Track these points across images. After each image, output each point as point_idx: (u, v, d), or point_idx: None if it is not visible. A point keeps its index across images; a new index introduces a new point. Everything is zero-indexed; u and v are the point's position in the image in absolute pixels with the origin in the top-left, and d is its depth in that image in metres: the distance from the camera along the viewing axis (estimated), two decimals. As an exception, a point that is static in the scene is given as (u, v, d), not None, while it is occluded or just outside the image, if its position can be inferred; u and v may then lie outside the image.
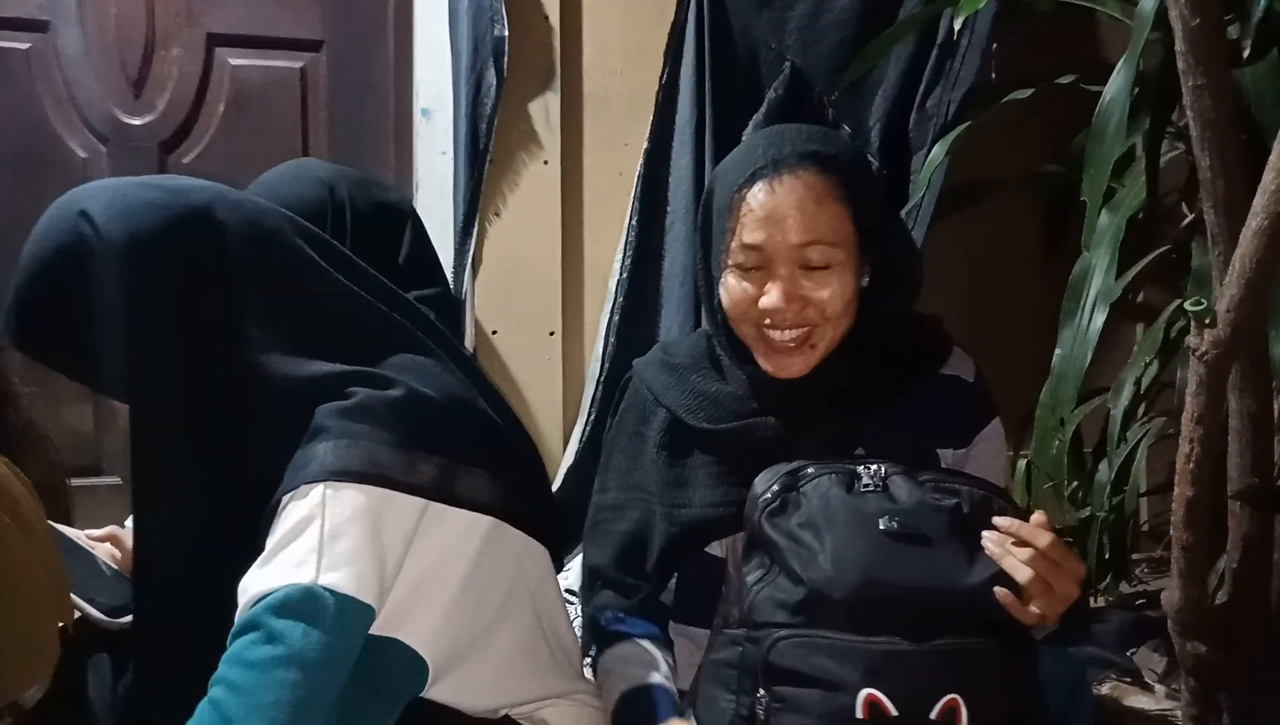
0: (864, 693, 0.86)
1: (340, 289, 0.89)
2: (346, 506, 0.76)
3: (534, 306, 1.97)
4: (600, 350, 1.93)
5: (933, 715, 0.86)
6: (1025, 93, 1.79)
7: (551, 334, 1.98)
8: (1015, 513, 0.95)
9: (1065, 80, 1.80)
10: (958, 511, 0.92)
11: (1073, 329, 1.55)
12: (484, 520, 0.86)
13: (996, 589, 0.90)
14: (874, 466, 0.95)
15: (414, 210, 1.22)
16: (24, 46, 1.86)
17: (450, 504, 0.84)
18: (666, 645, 1.08)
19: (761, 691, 0.90)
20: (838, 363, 1.06)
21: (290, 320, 0.85)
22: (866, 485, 0.94)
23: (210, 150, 1.97)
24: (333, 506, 0.76)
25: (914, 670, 0.87)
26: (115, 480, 1.92)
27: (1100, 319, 1.52)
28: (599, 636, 1.08)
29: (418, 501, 0.81)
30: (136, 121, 1.93)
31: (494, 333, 1.94)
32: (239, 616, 0.75)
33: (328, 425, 0.81)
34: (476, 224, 1.89)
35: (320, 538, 0.75)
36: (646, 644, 1.06)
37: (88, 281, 0.84)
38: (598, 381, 1.91)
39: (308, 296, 0.87)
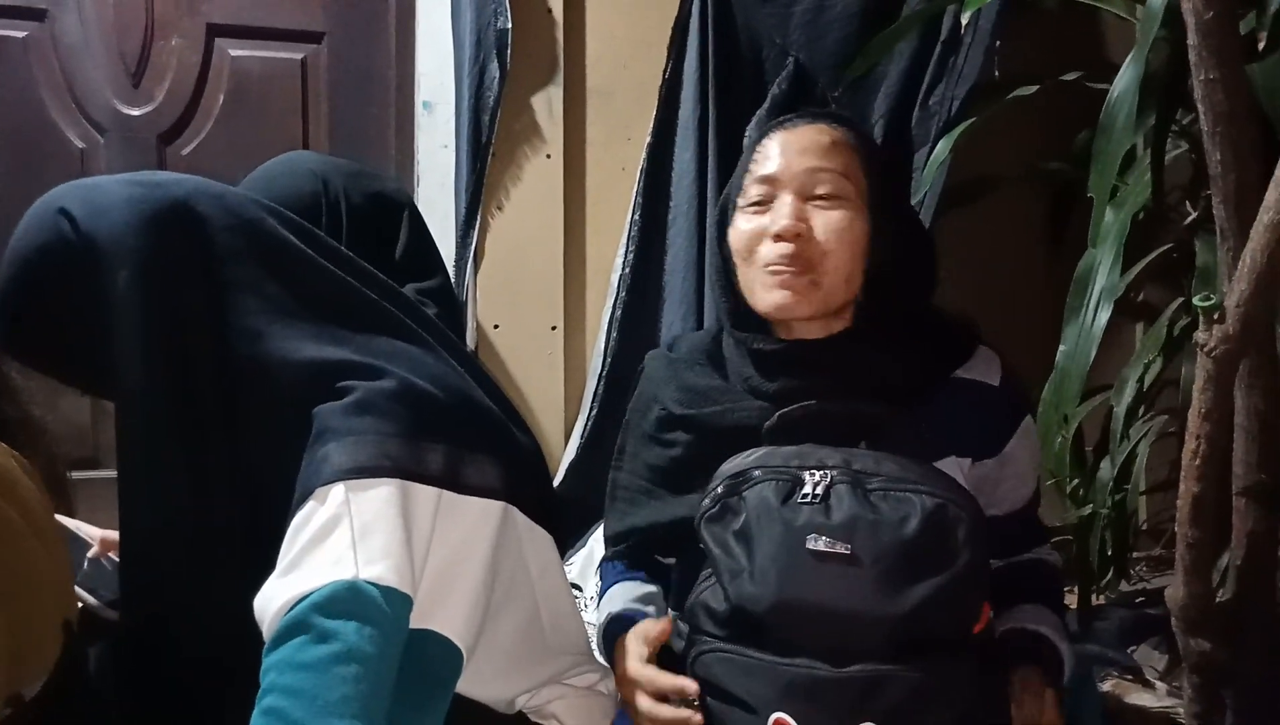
0: (774, 716, 0.86)
1: (327, 278, 0.87)
2: (371, 502, 0.75)
3: (536, 301, 1.97)
4: (602, 345, 1.92)
5: None
6: (1030, 90, 1.79)
7: (554, 328, 1.97)
8: (972, 527, 0.90)
9: (1070, 77, 1.80)
10: (900, 527, 0.87)
11: (1077, 326, 1.55)
12: (495, 506, 0.85)
13: None
14: (819, 474, 0.91)
15: (411, 201, 1.20)
16: (21, 35, 1.85)
17: (460, 492, 0.82)
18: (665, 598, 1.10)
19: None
20: (844, 341, 1.04)
21: (275, 311, 0.83)
22: (805, 496, 0.90)
23: (209, 142, 1.96)
24: (357, 504, 0.75)
25: (829, 696, 0.85)
26: (112, 473, 1.90)
27: (1105, 316, 1.52)
28: (601, 591, 1.11)
29: (432, 491, 0.80)
30: (135, 112, 1.92)
31: (496, 327, 1.93)
32: (275, 623, 0.72)
33: (332, 425, 0.79)
34: (479, 218, 1.88)
35: (352, 535, 0.73)
36: (638, 582, 1.10)
37: (69, 280, 0.82)
38: (600, 376, 1.90)
39: (293, 286, 0.85)
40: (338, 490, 0.76)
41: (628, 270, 1.91)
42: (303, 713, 0.67)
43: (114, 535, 1.09)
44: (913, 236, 1.08)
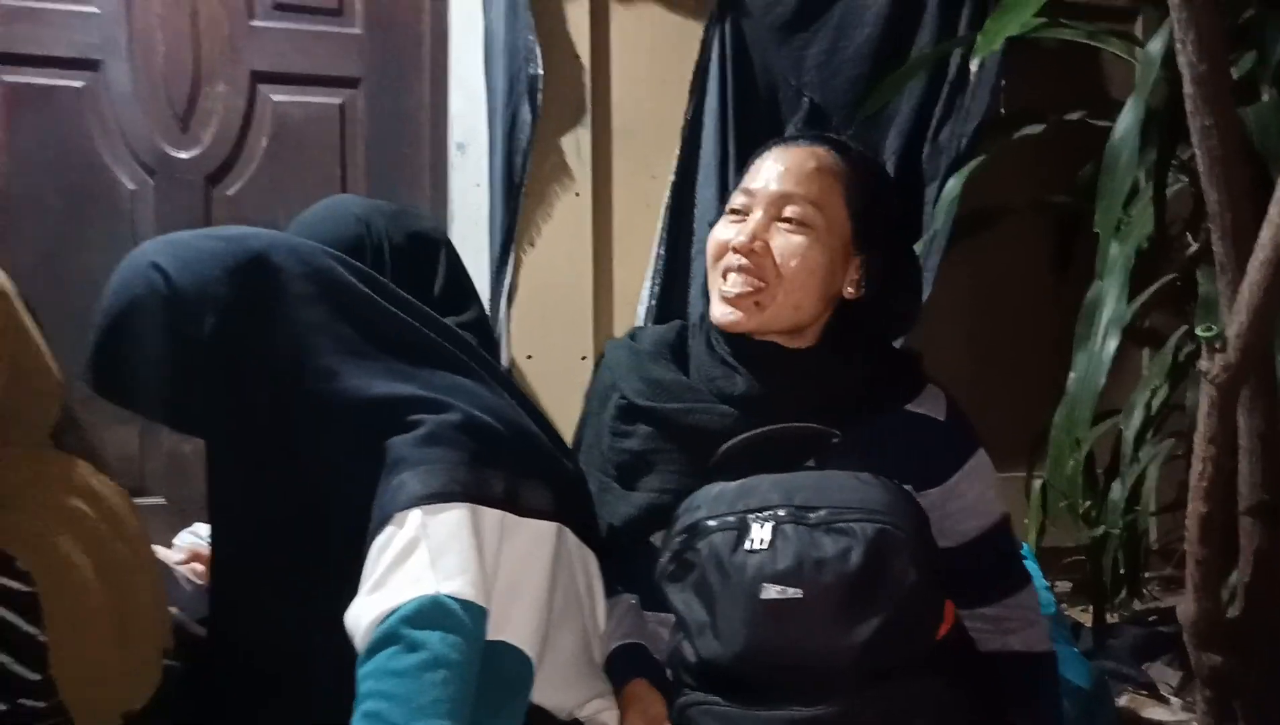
0: None
1: (391, 320, 0.95)
2: (445, 525, 0.83)
3: (567, 332, 2.04)
4: (629, 374, 1.99)
5: None
6: (1037, 128, 1.87)
7: (583, 358, 2.05)
8: (914, 545, 0.92)
9: (1074, 116, 1.88)
10: (844, 558, 0.89)
11: (1087, 353, 1.62)
12: (549, 527, 0.93)
13: None
14: (765, 516, 0.93)
15: (447, 238, 1.27)
16: (78, 84, 1.94)
17: (519, 514, 0.90)
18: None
19: None
20: (809, 355, 1.07)
21: (346, 351, 0.91)
22: (753, 543, 0.92)
23: (253, 183, 2.04)
24: (433, 527, 0.82)
25: None
26: (159, 500, 1.98)
27: (1113, 344, 1.59)
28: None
29: (496, 513, 0.87)
30: (183, 155, 2.01)
31: (529, 358, 2.01)
32: (366, 637, 0.80)
33: (405, 455, 0.87)
34: (512, 254, 1.96)
35: (430, 555, 0.81)
36: (627, 599, 1.10)
37: (160, 329, 0.90)
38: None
39: (362, 328, 0.93)
40: (414, 515, 0.83)
41: (653, 301, 1.99)
42: (399, 715, 0.74)
43: (200, 548, 1.17)
44: (895, 275, 1.10)
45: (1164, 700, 1.71)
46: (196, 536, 1.28)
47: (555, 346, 2.03)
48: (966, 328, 2.26)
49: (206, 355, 0.90)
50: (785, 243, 1.04)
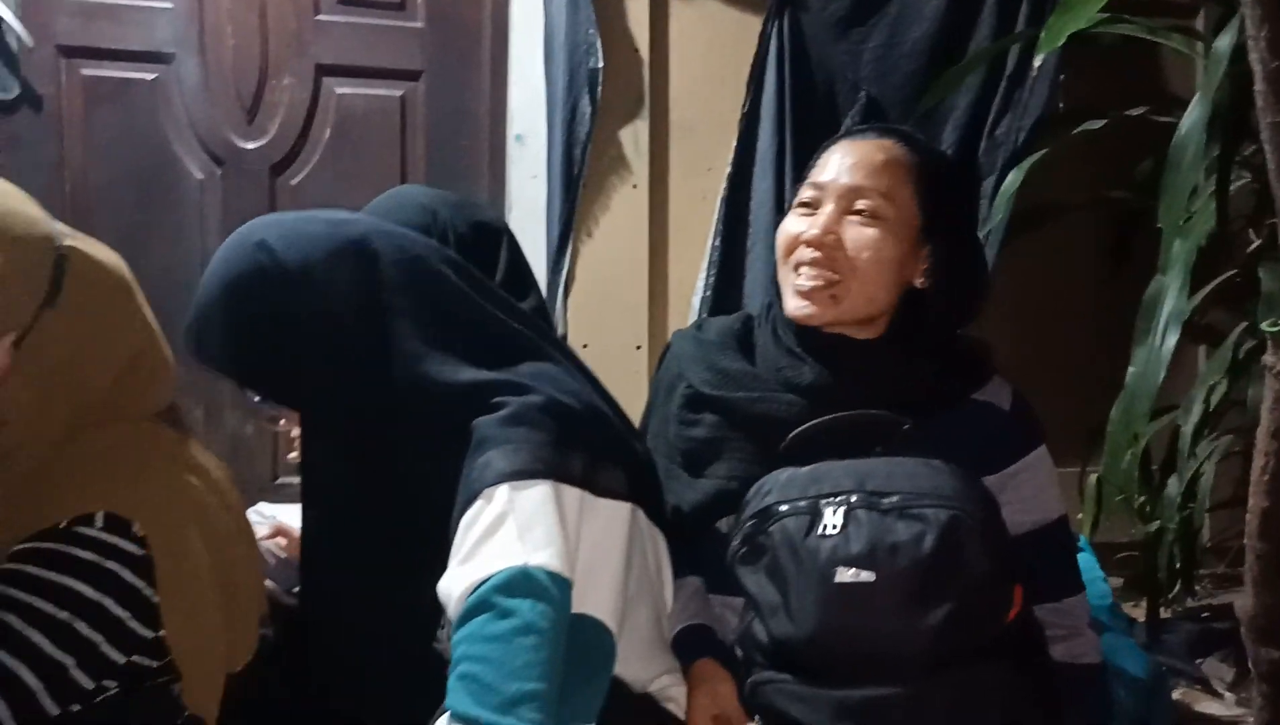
0: None
1: (477, 306, 0.99)
2: (531, 499, 0.86)
3: (622, 322, 2.07)
4: (684, 364, 2.02)
5: None
6: (1098, 123, 1.86)
7: (638, 348, 2.08)
8: (986, 532, 0.93)
9: (1136, 112, 1.88)
10: (917, 543, 0.90)
11: (1146, 348, 1.62)
12: (624, 507, 0.96)
13: None
14: (837, 502, 0.94)
15: (508, 228, 1.31)
16: (150, 77, 2.01)
17: (597, 494, 0.93)
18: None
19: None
20: (877, 347, 1.08)
21: (438, 336, 0.95)
22: (825, 528, 0.93)
23: (315, 173, 2.09)
24: (520, 501, 0.86)
25: (878, 714, 0.91)
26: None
27: (1173, 339, 1.59)
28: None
29: (576, 492, 0.90)
30: (249, 146, 2.06)
31: (585, 346, 2.03)
32: (459, 605, 0.83)
33: (491, 434, 0.90)
34: (570, 245, 1.99)
35: (518, 528, 0.84)
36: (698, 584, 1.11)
37: (262, 303, 0.95)
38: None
39: (453, 314, 0.97)
40: (502, 490, 0.87)
41: (708, 292, 2.01)
42: (493, 676, 0.78)
43: (283, 524, 1.22)
44: (962, 264, 1.11)
45: (1218, 695, 1.71)
46: (260, 515, 1.33)
47: (610, 336, 2.06)
48: (1021, 322, 2.26)
49: (304, 332, 0.95)
50: (858, 235, 1.06)
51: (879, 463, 0.98)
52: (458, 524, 0.87)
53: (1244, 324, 1.79)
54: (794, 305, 1.08)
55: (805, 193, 1.10)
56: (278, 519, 1.24)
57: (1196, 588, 1.99)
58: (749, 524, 0.98)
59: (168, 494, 0.85)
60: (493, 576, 0.82)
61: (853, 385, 1.06)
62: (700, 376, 1.12)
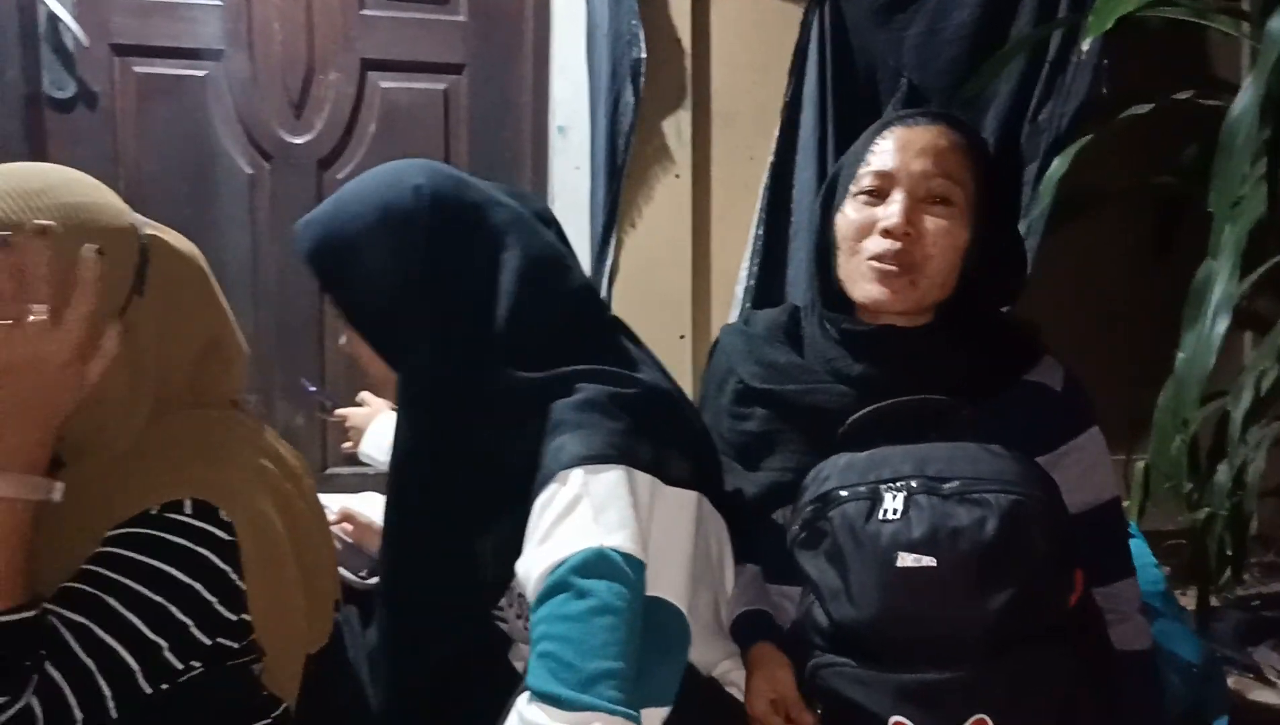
0: (892, 719, 0.91)
1: (575, 291, 1.01)
2: (605, 483, 0.88)
3: (666, 312, 2.09)
4: (728, 353, 2.03)
5: None
6: (1144, 108, 1.85)
7: (681, 337, 2.09)
8: (1048, 516, 0.93)
9: (1183, 96, 1.86)
10: (979, 528, 0.90)
11: (1195, 334, 1.60)
12: (690, 495, 0.97)
13: None
14: (898, 487, 0.94)
15: (555, 219, 1.33)
16: (202, 74, 2.04)
17: (665, 482, 0.95)
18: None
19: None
20: (926, 334, 1.08)
21: (537, 321, 0.97)
22: (886, 513, 0.93)
23: (361, 167, 2.10)
24: (594, 485, 0.88)
25: (939, 697, 0.91)
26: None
27: (1223, 325, 1.57)
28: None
29: (647, 477, 0.92)
30: (297, 140, 2.10)
31: (629, 336, 2.05)
32: (538, 586, 0.85)
33: (566, 418, 0.92)
34: (614, 235, 2.01)
35: (593, 510, 0.86)
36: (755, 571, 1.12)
37: (409, 247, 0.95)
38: (726, 382, 2.01)
39: (553, 299, 0.99)
40: (577, 473, 0.89)
41: (752, 282, 2.02)
42: (573, 655, 0.80)
43: (349, 508, 1.25)
44: (1009, 246, 1.12)
45: (1270, 684, 1.71)
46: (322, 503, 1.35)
47: (654, 325, 2.04)
48: (1065, 309, 2.24)
49: (431, 287, 0.96)
50: (935, 225, 1.06)
51: (938, 447, 0.98)
52: (533, 504, 0.89)
53: (1295, 309, 1.78)
54: (872, 292, 1.07)
55: (866, 181, 1.08)
56: (343, 505, 1.27)
57: (1245, 576, 1.97)
58: (808, 509, 0.99)
59: (250, 479, 0.87)
60: (569, 558, 0.84)
61: (903, 374, 1.07)
62: (749, 370, 1.13)
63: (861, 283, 1.08)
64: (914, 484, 0.94)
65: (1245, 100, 1.46)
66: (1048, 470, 1.03)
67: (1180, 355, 1.63)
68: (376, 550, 1.24)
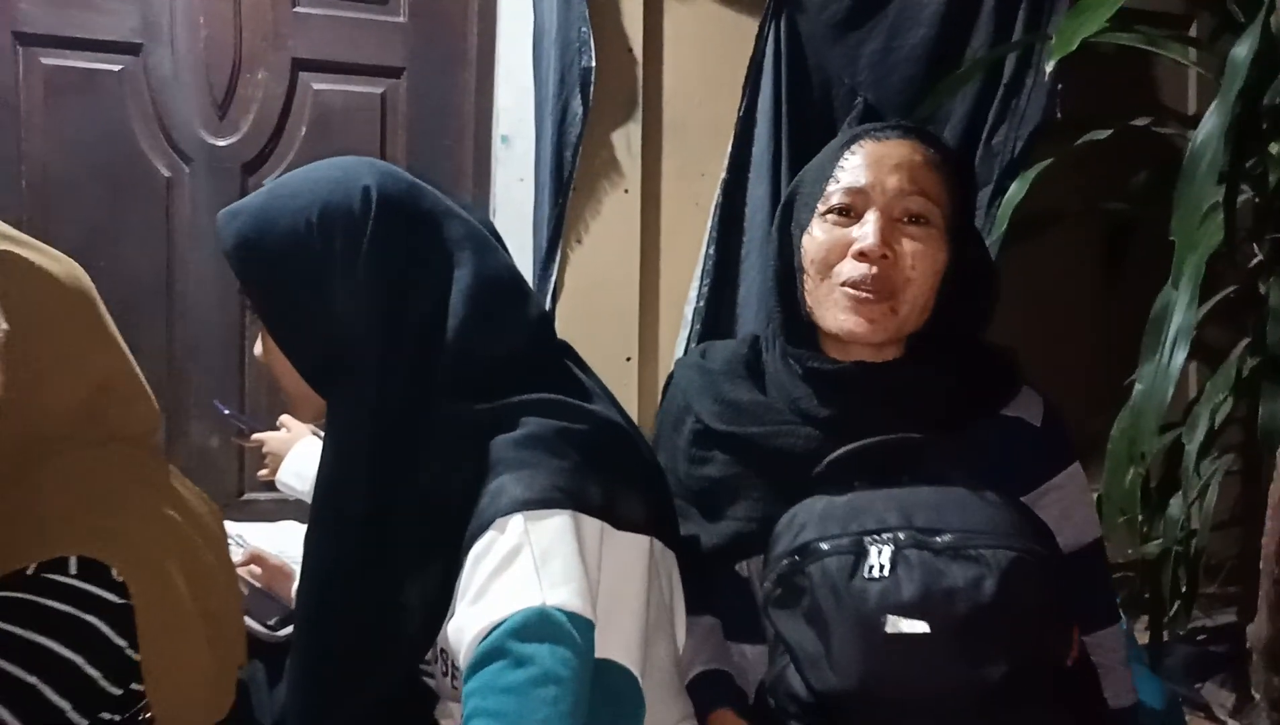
0: None
1: (531, 319, 0.93)
2: (548, 531, 0.79)
3: (612, 333, 1.99)
4: (676, 376, 1.95)
5: None
6: (1103, 133, 1.83)
7: (629, 360, 2.00)
8: (1047, 573, 0.85)
9: (1141, 122, 1.85)
10: (976, 588, 0.82)
11: (1154, 364, 1.58)
12: (643, 540, 0.89)
13: None
14: (884, 540, 0.86)
15: (498, 233, 1.24)
16: (117, 68, 1.90)
17: (615, 526, 0.86)
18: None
19: None
20: (898, 368, 1.01)
21: (484, 344, 0.88)
22: (871, 569, 0.85)
23: (288, 173, 2.00)
24: (535, 533, 0.78)
25: None
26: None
27: (1181, 356, 1.55)
28: None
29: (596, 523, 0.83)
30: (220, 142, 1.96)
31: (573, 357, 1.96)
32: (471, 651, 0.76)
33: (506, 456, 0.83)
34: (559, 251, 1.92)
35: (534, 562, 0.77)
36: (708, 619, 1.03)
37: (347, 252, 0.86)
38: (674, 406, 1.93)
39: (506, 326, 0.90)
40: (516, 520, 0.79)
41: (702, 303, 1.94)
42: None
43: (259, 551, 1.13)
44: (980, 265, 1.05)
45: (1220, 721, 1.68)
46: (230, 538, 1.24)
47: (600, 347, 1.97)
48: (1010, 334, 2.23)
49: (365, 300, 0.87)
50: (913, 246, 0.98)
51: (924, 493, 0.90)
52: (466, 554, 0.80)
53: (1246, 341, 1.77)
54: (847, 322, 0.98)
55: (836, 198, 1.00)
56: (247, 541, 1.15)
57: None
58: (784, 563, 0.90)
59: (148, 531, 0.76)
60: (507, 619, 0.75)
61: (874, 411, 0.99)
62: (709, 409, 1.04)
63: (834, 312, 0.99)
64: (901, 536, 0.86)
65: (1209, 128, 1.43)
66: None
67: (1138, 386, 1.60)
68: (289, 595, 1.14)
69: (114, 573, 0.71)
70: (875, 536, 0.87)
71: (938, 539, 0.85)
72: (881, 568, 0.85)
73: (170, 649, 0.74)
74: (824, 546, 0.88)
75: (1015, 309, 2.14)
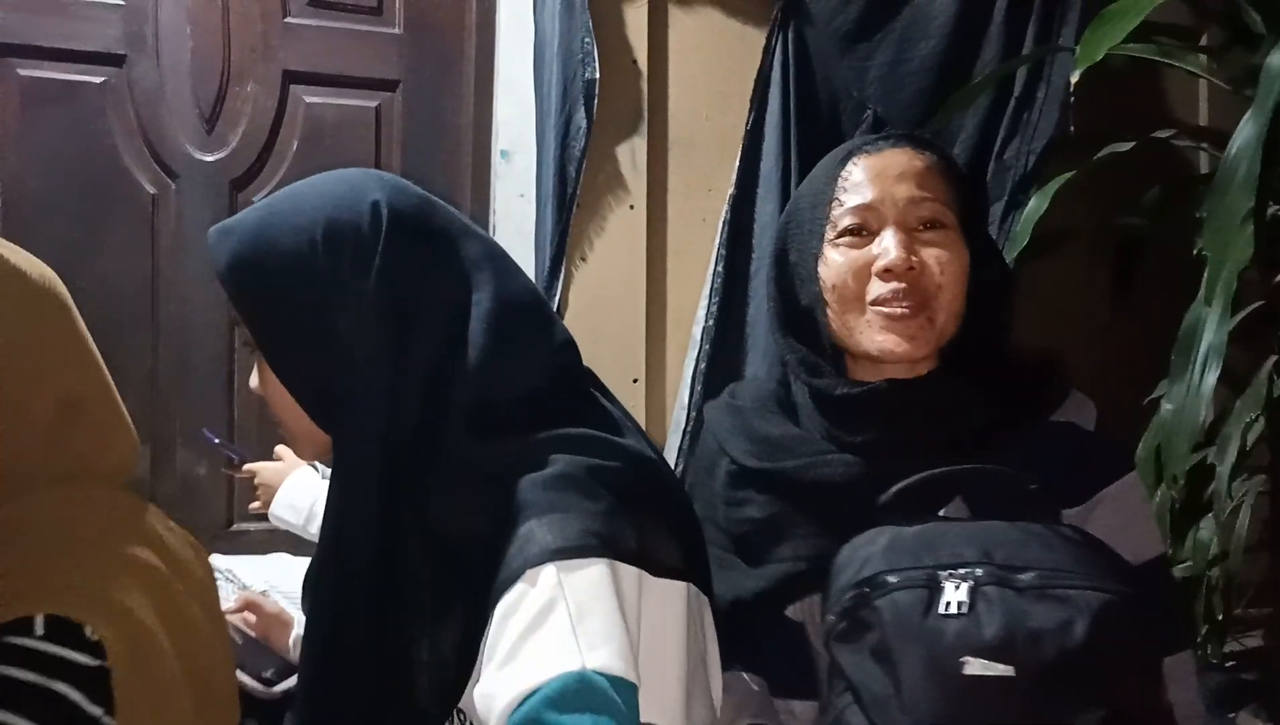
0: None
1: (557, 346, 0.86)
2: (584, 582, 0.71)
3: (618, 353, 1.92)
4: (686, 398, 1.88)
5: None
6: (1124, 146, 1.78)
7: (635, 381, 1.93)
8: (1141, 616, 0.79)
9: (1163, 135, 1.80)
10: (1064, 631, 0.76)
11: (1184, 384, 1.52)
12: (680, 586, 0.81)
13: None
14: (961, 575, 0.79)
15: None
16: (99, 80, 1.82)
17: (653, 573, 0.78)
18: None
19: None
20: (932, 383, 0.96)
21: (510, 380, 0.81)
22: (948, 606, 0.78)
23: (280, 189, 1.92)
24: (570, 585, 0.71)
25: None
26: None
27: (1213, 376, 1.49)
28: None
29: (634, 570, 0.76)
30: (208, 157, 1.89)
31: (578, 380, 1.89)
32: (504, 721, 0.68)
33: (535, 499, 0.75)
34: (563, 269, 1.84)
35: (570, 620, 0.69)
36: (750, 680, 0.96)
37: (340, 264, 0.80)
38: (684, 431, 1.86)
39: (530, 355, 0.83)
40: (549, 571, 0.71)
41: (710, 322, 1.87)
42: None
43: (251, 597, 1.05)
44: (1000, 268, 1.02)
45: (1258, 753, 1.62)
46: (219, 575, 1.16)
47: (606, 368, 1.85)
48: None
49: (380, 315, 0.80)
50: (936, 253, 0.94)
51: (1003, 527, 0.83)
52: (493, 609, 0.72)
53: (1275, 358, 1.71)
54: (886, 342, 0.94)
55: (847, 220, 0.96)
56: (238, 575, 1.06)
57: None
58: (849, 596, 0.82)
59: (125, 582, 0.67)
60: (543, 686, 0.67)
61: (913, 429, 0.93)
62: (742, 448, 0.99)
63: (870, 334, 0.95)
64: (980, 573, 0.79)
65: (1244, 138, 1.38)
66: (1079, 524, 0.90)
67: (1166, 405, 1.54)
68: (286, 645, 1.05)
69: (87, 631, 0.62)
70: (951, 571, 0.80)
71: (1020, 577, 0.79)
72: (960, 604, 0.78)
73: (152, 716, 0.65)
74: (892, 579, 0.81)
75: (1023, 325, 2.12)
